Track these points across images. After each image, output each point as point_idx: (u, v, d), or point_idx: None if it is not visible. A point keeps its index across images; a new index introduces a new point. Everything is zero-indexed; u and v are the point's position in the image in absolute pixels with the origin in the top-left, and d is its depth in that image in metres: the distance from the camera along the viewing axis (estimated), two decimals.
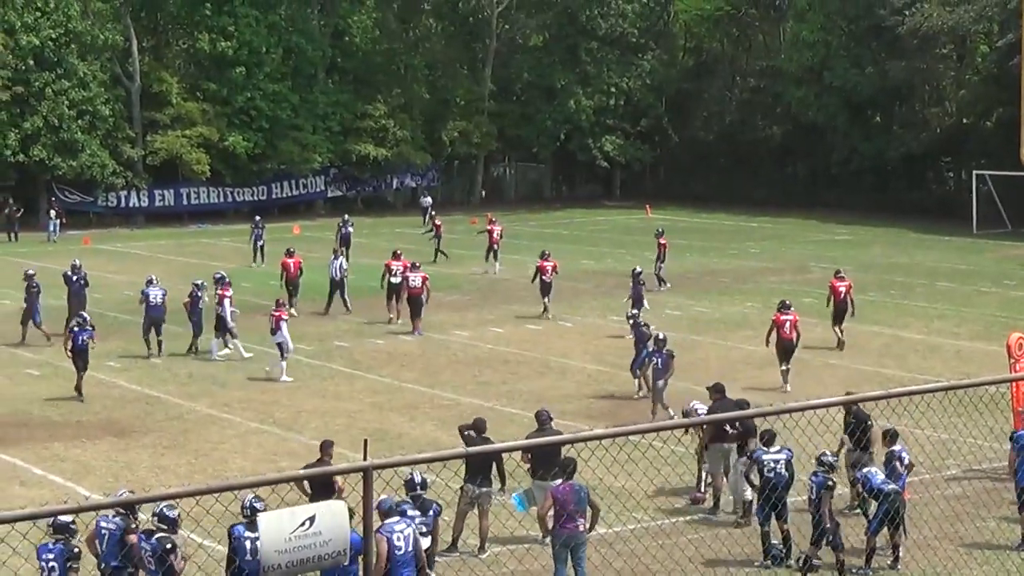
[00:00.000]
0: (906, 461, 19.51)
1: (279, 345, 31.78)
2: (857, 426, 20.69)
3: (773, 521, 19.12)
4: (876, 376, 31.55)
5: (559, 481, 18.14)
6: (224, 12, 73.32)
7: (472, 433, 20.11)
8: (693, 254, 55.67)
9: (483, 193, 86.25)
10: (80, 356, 29.96)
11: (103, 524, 16.13)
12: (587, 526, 17.85)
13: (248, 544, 15.40)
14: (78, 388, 29.82)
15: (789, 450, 19.10)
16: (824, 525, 18.00)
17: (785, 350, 30.93)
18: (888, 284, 47.65)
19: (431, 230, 56.36)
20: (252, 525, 15.33)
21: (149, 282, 35.50)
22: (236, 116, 73.08)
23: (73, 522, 15.48)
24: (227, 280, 35.53)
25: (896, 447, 19.58)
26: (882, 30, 75.32)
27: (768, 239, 62.75)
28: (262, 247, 52.92)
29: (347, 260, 49.72)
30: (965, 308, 42.45)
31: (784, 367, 30.94)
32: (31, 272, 37.51)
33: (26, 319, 36.38)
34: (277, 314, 32.09)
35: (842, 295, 36.04)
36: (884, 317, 40.54)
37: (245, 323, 35.53)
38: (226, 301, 34.21)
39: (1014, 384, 22.20)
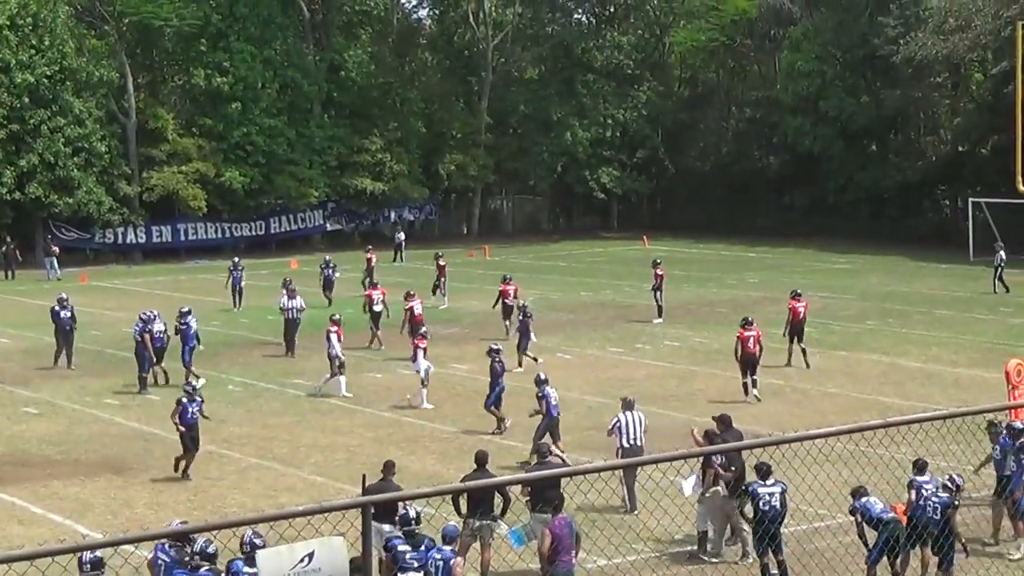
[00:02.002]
0: (927, 492, 19.36)
1: (418, 372, 32.38)
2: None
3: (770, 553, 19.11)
4: (875, 404, 31.55)
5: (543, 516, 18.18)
6: (219, 48, 73.55)
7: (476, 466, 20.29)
8: (691, 285, 55.69)
9: (476, 226, 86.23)
10: (190, 432, 26.05)
11: (160, 555, 16.39)
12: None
13: None
14: (185, 470, 26.01)
15: (783, 484, 19.07)
16: (955, 545, 18.34)
17: (749, 363, 32.66)
18: (886, 312, 47.68)
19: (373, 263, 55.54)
20: (250, 560, 15.40)
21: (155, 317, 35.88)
22: (232, 151, 73.18)
23: (102, 558, 15.56)
24: (339, 318, 35.49)
25: (923, 477, 19.43)
26: (877, 59, 75.56)
27: (766, 269, 62.76)
28: (241, 290, 50.28)
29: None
30: (963, 335, 42.45)
31: (750, 379, 32.65)
32: None
33: None
34: (415, 343, 33.01)
35: (800, 315, 37.36)
36: (882, 345, 40.57)
37: (243, 358, 35.46)
38: (332, 337, 34.19)
39: (1012, 412, 22.17)
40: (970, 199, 69.36)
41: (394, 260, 67.13)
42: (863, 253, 68.76)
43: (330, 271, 51.34)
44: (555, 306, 50.13)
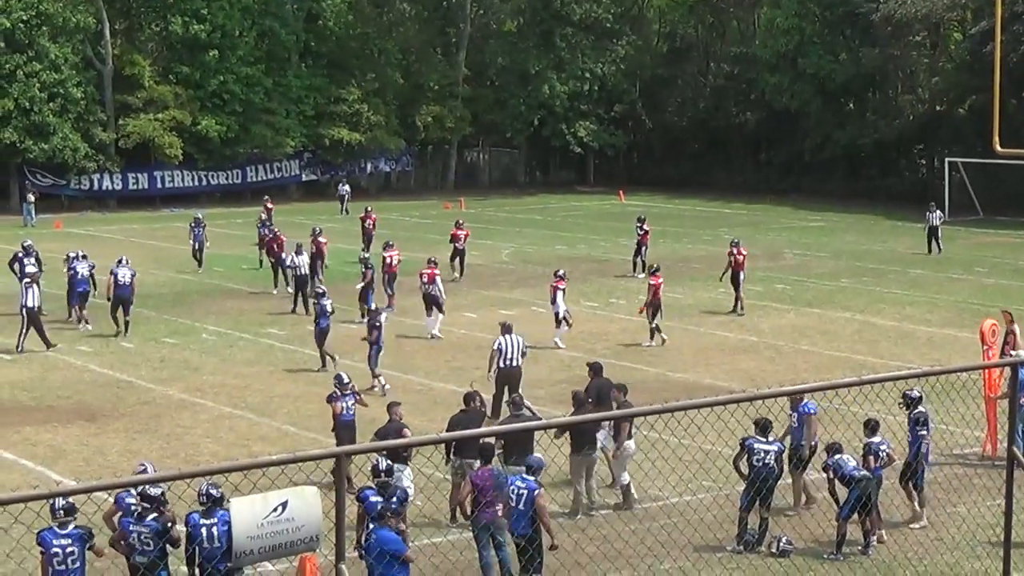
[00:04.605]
0: (883, 454, 19.37)
1: (557, 315, 33.38)
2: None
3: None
4: (848, 362, 31.63)
5: (478, 465, 18.22)
6: None
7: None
8: (667, 240, 55.66)
9: (452, 178, 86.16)
10: (346, 432, 21.86)
11: (129, 499, 16.08)
12: (505, 511, 17.80)
13: (204, 531, 15.25)
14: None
15: (781, 443, 19.01)
16: None
17: (659, 308, 34.31)
18: (861, 271, 47.78)
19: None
20: (207, 513, 15.28)
21: (119, 262, 35.71)
22: (209, 100, 72.94)
23: (75, 504, 15.35)
24: (434, 260, 36.57)
25: (875, 439, 19.44)
26: (856, 17, 75.49)
27: (742, 225, 62.74)
28: (202, 249, 47.53)
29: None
30: (937, 295, 42.57)
31: (656, 324, 34.02)
32: None
33: None
34: (555, 284, 33.96)
35: (741, 263, 39.23)
36: (856, 303, 40.66)
37: (217, 307, 35.29)
38: (437, 279, 35.42)
39: (986, 371, 22.26)
40: (947, 159, 69.45)
41: (340, 212, 67.06)
42: (839, 211, 68.89)
43: (265, 230, 47.87)
44: (530, 259, 50.10)
